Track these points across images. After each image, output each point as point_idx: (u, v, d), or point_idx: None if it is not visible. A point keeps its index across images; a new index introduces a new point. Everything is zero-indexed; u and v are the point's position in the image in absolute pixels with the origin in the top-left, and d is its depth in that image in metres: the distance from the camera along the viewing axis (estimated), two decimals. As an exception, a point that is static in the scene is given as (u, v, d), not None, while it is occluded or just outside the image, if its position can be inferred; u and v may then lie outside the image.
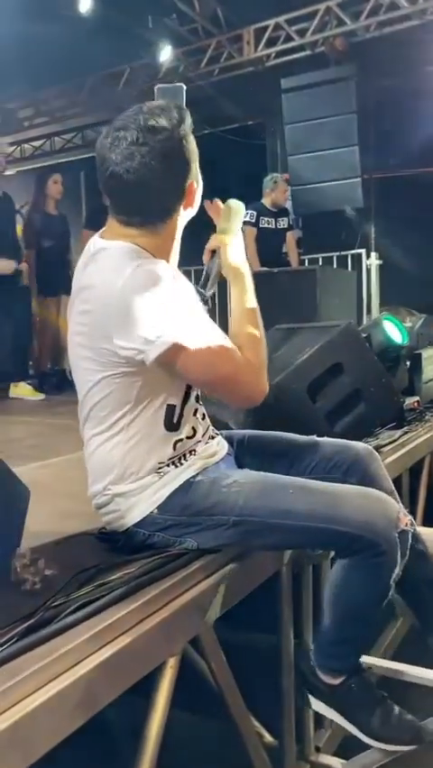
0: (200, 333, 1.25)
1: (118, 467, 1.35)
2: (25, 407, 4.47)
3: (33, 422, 3.66)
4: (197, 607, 1.26)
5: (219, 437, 1.50)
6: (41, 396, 4.95)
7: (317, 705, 1.51)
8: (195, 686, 1.34)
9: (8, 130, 8.77)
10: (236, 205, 1.47)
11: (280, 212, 5.86)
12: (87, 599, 1.11)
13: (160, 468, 1.35)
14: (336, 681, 1.45)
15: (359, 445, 1.61)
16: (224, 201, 1.49)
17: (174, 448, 1.36)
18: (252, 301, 1.42)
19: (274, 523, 1.31)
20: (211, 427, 1.49)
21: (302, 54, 7.14)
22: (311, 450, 1.57)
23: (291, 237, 5.99)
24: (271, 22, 7.03)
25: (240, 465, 1.53)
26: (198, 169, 1.34)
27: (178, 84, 1.43)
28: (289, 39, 7.09)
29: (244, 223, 4.93)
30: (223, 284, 1.50)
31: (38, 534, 1.39)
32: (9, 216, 4.84)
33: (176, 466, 1.37)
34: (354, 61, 6.65)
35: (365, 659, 1.90)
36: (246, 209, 5.79)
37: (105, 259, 1.29)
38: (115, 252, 1.28)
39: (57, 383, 5.33)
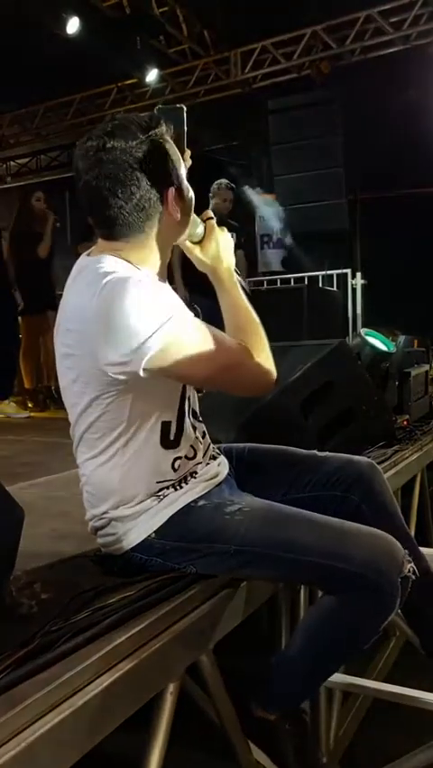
0: (187, 328, 1.20)
1: (118, 492, 1.30)
2: (12, 425, 4.42)
3: (21, 440, 3.60)
4: (196, 631, 1.23)
5: (221, 457, 1.46)
6: (26, 413, 4.90)
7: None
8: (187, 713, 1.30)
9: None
10: None
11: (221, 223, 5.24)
12: (86, 624, 1.07)
13: (160, 490, 1.31)
14: (272, 717, 1.37)
15: (362, 460, 1.58)
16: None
17: (174, 468, 1.32)
18: (238, 292, 1.40)
19: (276, 555, 1.26)
20: (212, 446, 1.46)
21: (288, 77, 7.24)
22: (314, 464, 1.54)
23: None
24: (258, 45, 7.13)
25: (239, 478, 1.49)
26: (183, 180, 1.28)
27: (178, 105, 1.41)
28: (275, 62, 7.20)
29: None
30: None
31: (31, 555, 1.35)
32: None
33: (176, 489, 1.32)
34: (340, 84, 6.77)
35: (356, 680, 1.88)
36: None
37: (85, 276, 1.25)
38: (93, 267, 1.23)
39: (43, 400, 5.29)
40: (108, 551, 1.35)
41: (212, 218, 1.42)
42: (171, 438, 1.31)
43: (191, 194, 1.32)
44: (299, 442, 2.18)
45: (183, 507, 1.31)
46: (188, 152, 1.34)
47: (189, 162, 1.35)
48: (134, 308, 1.14)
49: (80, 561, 1.42)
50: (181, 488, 1.32)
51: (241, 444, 1.62)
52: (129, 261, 1.26)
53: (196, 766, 1.62)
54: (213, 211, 1.45)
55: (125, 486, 1.30)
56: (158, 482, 1.31)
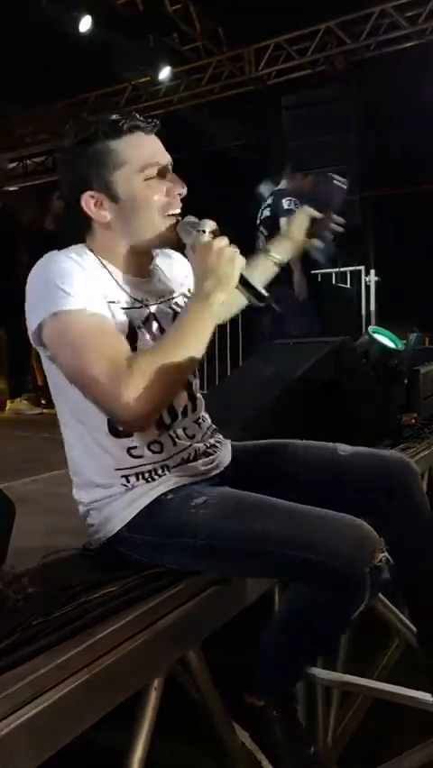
0: (78, 323, 1.18)
1: (85, 475, 1.33)
2: (22, 422, 4.46)
3: (29, 436, 3.63)
4: (183, 628, 1.22)
5: (214, 457, 1.41)
6: (39, 409, 4.94)
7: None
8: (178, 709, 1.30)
9: (8, 146, 8.85)
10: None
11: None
12: (68, 619, 1.08)
13: (124, 476, 1.30)
14: (260, 703, 1.35)
15: (393, 456, 1.46)
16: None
17: (131, 455, 1.29)
18: (198, 316, 1.22)
19: (241, 547, 1.21)
20: (206, 446, 1.41)
21: (302, 73, 7.21)
22: (335, 461, 1.43)
23: None
24: (272, 41, 7.11)
25: (249, 478, 1.40)
26: (116, 183, 1.26)
27: (342, 180, 1.33)
28: (289, 58, 7.16)
29: (289, 211, 4.81)
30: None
31: (23, 550, 1.36)
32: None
33: (147, 481, 1.30)
34: (354, 80, 6.73)
35: (355, 680, 1.86)
36: (287, 196, 5.36)
37: None
38: None
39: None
40: (93, 540, 1.36)
41: (205, 232, 1.24)
42: (120, 428, 1.28)
43: (126, 195, 1.27)
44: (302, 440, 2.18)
45: (152, 500, 1.29)
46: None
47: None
48: (41, 284, 1.21)
49: (71, 556, 1.42)
50: (154, 480, 1.31)
51: (259, 442, 1.55)
52: (96, 254, 1.30)
53: (187, 758, 1.61)
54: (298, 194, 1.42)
55: (89, 469, 1.32)
56: (117, 469, 1.30)
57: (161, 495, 1.30)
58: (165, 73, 7.21)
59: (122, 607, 1.14)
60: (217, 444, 1.45)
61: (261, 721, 1.34)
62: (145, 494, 1.30)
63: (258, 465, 1.48)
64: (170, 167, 1.31)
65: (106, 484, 1.31)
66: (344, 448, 1.47)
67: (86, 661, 1.00)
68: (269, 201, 5.01)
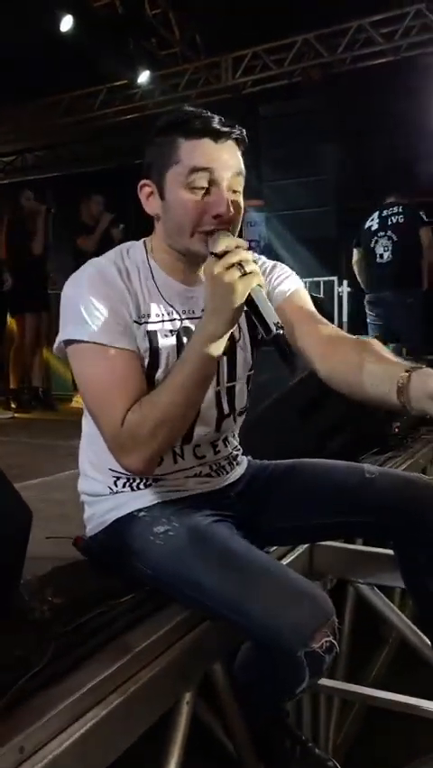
0: (89, 360, 1.14)
1: (82, 461, 1.33)
2: (-4, 426, 4.35)
3: (8, 441, 3.54)
4: (213, 637, 1.20)
5: (212, 480, 1.33)
6: (10, 413, 4.83)
7: None
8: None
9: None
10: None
11: None
12: (103, 632, 1.05)
13: (114, 477, 1.26)
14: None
15: (416, 481, 1.29)
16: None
17: None
18: (197, 358, 1.10)
19: (182, 592, 1.14)
20: (211, 468, 1.33)
21: (279, 83, 7.28)
22: (357, 485, 1.30)
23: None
24: (249, 51, 7.15)
25: (262, 497, 1.36)
26: (167, 181, 1.18)
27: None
28: (266, 68, 7.22)
29: (425, 223, 4.82)
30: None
31: (34, 559, 1.31)
32: None
33: (132, 489, 1.26)
34: (330, 92, 6.81)
35: (355, 688, 1.85)
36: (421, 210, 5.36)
37: None
38: None
39: (28, 401, 5.22)
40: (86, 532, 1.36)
41: (216, 255, 1.09)
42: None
43: (169, 196, 1.18)
44: (296, 448, 2.18)
45: (126, 514, 1.25)
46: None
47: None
48: (71, 305, 1.16)
49: (82, 565, 1.38)
50: (139, 489, 1.26)
51: (282, 462, 1.45)
52: (148, 251, 1.25)
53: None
54: None
55: (88, 459, 1.32)
56: (110, 469, 1.25)
57: (135, 510, 1.24)
58: (143, 77, 7.19)
59: (153, 617, 1.11)
60: (226, 466, 1.37)
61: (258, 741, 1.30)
62: (125, 504, 1.26)
63: (277, 487, 1.39)
64: (225, 182, 1.15)
65: (97, 478, 1.29)
66: (370, 470, 1.34)
67: (126, 675, 0.97)
68: None
